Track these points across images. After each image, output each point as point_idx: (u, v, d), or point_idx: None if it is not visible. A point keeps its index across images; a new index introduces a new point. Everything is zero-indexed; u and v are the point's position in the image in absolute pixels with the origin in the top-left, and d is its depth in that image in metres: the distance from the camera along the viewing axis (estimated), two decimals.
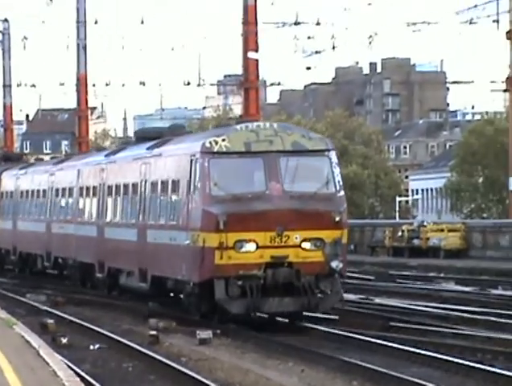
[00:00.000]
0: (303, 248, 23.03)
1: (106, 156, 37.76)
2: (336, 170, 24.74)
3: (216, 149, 23.89)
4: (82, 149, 65.76)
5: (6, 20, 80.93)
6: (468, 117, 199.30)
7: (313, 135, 27.44)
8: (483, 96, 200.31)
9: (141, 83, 79.20)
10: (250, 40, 57.69)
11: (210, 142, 24.10)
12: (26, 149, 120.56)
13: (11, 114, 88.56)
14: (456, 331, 23.64)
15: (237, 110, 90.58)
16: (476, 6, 52.67)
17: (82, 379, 14.48)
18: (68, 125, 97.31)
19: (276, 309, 23.21)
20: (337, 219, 23.62)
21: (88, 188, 37.81)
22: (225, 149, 23.95)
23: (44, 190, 45.07)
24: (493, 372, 16.92)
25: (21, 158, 67.18)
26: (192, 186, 24.32)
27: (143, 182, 30.17)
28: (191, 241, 24.00)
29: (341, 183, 24.69)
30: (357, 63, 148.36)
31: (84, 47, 75.69)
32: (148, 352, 20.61)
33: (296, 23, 52.73)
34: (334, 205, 24.23)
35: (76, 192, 39.66)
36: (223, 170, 23.86)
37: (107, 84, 77.95)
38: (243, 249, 22.74)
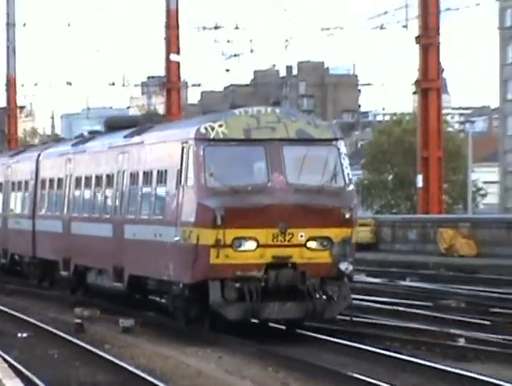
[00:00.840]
0: (309, 248, 19.78)
1: (73, 146, 33.53)
2: (346, 162, 21.45)
3: (212, 135, 20.47)
4: (11, 146, 64.67)
5: None
6: (379, 118, 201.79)
7: (320, 122, 24.38)
8: (393, 98, 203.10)
9: (68, 83, 79.69)
10: (172, 43, 58.45)
11: (205, 128, 20.61)
12: None
13: None
14: (367, 320, 23.71)
15: (161, 110, 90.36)
16: (386, 12, 53.45)
17: (10, 365, 14.48)
18: None
19: (277, 315, 19.92)
20: (347, 215, 20.24)
21: (51, 180, 34.03)
22: (222, 136, 20.54)
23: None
24: (401, 359, 17.15)
25: None
26: (183, 177, 20.84)
27: (121, 173, 26.41)
28: (181, 238, 20.56)
29: (351, 176, 21.52)
30: (274, 65, 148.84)
31: (14, 49, 75.87)
32: (73, 339, 20.42)
33: (216, 27, 52.71)
34: (343, 200, 20.92)
35: (35, 185, 35.97)
36: (220, 160, 20.53)
37: (35, 84, 78.59)
38: (242, 248, 19.50)
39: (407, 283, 35.34)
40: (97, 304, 27.28)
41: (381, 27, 54.86)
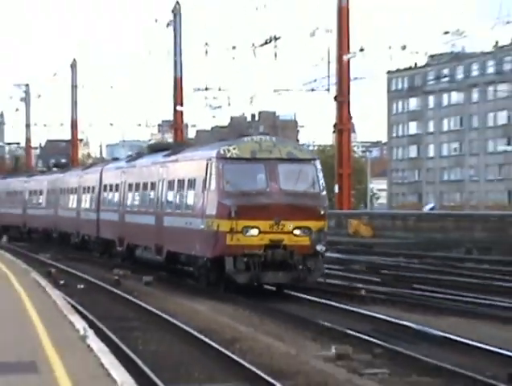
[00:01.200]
0: (295, 235, 19.43)
1: (126, 162, 33.07)
2: (320, 175, 20.84)
3: (228, 155, 20.22)
4: (74, 165, 65.16)
5: None
6: (311, 148, 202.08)
7: (302, 148, 25.70)
8: (320, 135, 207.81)
9: (110, 124, 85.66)
10: (178, 98, 59.94)
11: (223, 150, 20.42)
12: (39, 165, 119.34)
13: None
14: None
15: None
16: (315, 80, 54.91)
17: (72, 305, 14.80)
18: (66, 149, 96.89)
19: (273, 280, 19.86)
20: (322, 212, 20.00)
21: (110, 186, 33.22)
22: (235, 156, 20.28)
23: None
24: (323, 303, 18.15)
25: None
26: (207, 184, 20.54)
27: (161, 181, 25.63)
28: (205, 226, 20.34)
29: (324, 185, 20.77)
30: (244, 114, 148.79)
31: (76, 103, 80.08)
32: (113, 289, 21.07)
33: (206, 89, 53.56)
34: (319, 202, 20.44)
35: (99, 189, 35.12)
36: (233, 172, 20.21)
37: (90, 125, 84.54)
38: (248, 234, 19.21)
39: (329, 254, 35.55)
40: (129, 267, 27.17)
41: (312, 90, 55.65)
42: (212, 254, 19.82)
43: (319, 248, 19.57)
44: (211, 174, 20.35)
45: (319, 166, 21.14)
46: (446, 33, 45.39)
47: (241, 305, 18.12)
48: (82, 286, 22.17)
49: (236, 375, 10.10)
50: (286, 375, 10.04)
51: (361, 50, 49.86)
